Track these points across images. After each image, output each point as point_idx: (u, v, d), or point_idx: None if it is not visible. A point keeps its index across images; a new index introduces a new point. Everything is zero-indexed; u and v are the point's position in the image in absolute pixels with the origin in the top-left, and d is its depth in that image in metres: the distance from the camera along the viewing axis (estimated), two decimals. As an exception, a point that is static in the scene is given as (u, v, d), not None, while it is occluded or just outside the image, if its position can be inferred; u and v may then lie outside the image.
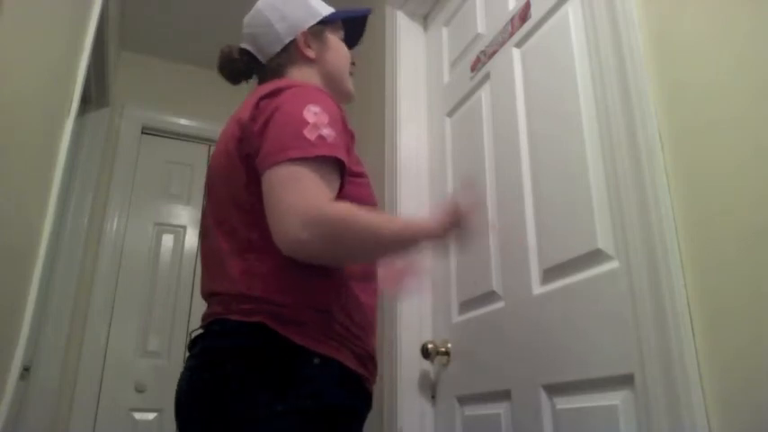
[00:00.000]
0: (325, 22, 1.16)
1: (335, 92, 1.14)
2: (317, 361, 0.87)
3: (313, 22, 1.14)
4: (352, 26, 1.25)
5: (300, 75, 1.12)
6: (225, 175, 0.99)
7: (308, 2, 1.17)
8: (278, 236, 0.84)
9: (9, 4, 1.04)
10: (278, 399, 0.84)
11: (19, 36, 1.15)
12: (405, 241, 0.92)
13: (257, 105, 0.96)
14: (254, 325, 0.88)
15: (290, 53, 1.13)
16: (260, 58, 1.14)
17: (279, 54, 1.13)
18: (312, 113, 0.90)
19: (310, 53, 1.13)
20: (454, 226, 0.93)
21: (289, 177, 0.85)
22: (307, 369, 0.87)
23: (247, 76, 1.19)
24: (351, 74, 1.20)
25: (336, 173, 0.90)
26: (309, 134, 0.88)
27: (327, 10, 1.17)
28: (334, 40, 1.17)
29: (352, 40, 1.25)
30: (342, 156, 0.90)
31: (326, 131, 0.89)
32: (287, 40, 1.12)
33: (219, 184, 1.01)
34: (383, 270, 1.08)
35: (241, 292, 0.91)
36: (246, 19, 1.17)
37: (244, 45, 1.16)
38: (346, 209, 0.86)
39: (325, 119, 0.90)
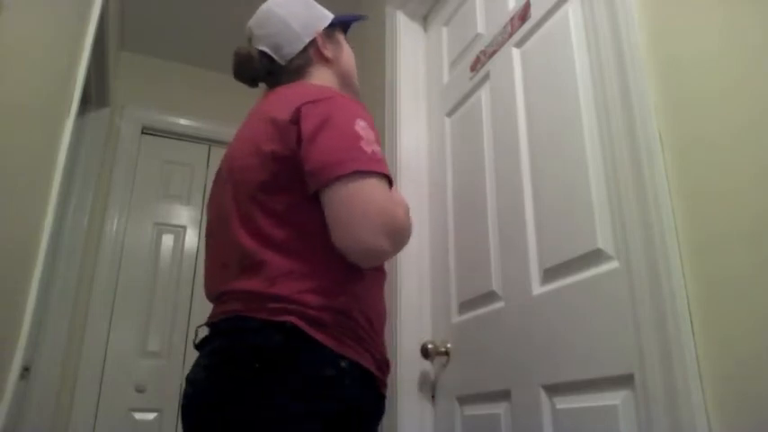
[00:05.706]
0: (333, 25, 1.18)
1: (349, 92, 1.16)
2: (343, 364, 0.87)
3: (327, 23, 1.16)
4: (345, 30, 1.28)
5: (320, 76, 1.12)
6: (252, 174, 0.98)
7: (314, 4, 1.19)
8: (350, 242, 0.88)
9: (9, 4, 1.04)
10: (304, 400, 0.84)
11: (19, 36, 1.15)
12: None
13: (299, 109, 0.95)
14: (281, 324, 0.87)
15: (309, 54, 1.13)
16: (277, 59, 1.13)
17: (299, 54, 1.12)
18: (361, 128, 0.93)
19: (329, 53, 1.14)
20: None
21: (361, 188, 0.89)
22: (333, 371, 0.87)
23: (263, 79, 1.18)
24: None
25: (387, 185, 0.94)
26: (367, 148, 0.91)
27: (330, 14, 1.20)
28: (344, 41, 1.21)
29: None
30: (389, 173, 0.94)
31: (377, 148, 0.93)
32: (307, 40, 1.13)
33: (244, 183, 0.99)
34: None
35: (268, 291, 0.90)
36: (255, 21, 1.15)
37: (260, 47, 1.14)
38: (407, 214, 0.95)
39: (371, 135, 0.94)
